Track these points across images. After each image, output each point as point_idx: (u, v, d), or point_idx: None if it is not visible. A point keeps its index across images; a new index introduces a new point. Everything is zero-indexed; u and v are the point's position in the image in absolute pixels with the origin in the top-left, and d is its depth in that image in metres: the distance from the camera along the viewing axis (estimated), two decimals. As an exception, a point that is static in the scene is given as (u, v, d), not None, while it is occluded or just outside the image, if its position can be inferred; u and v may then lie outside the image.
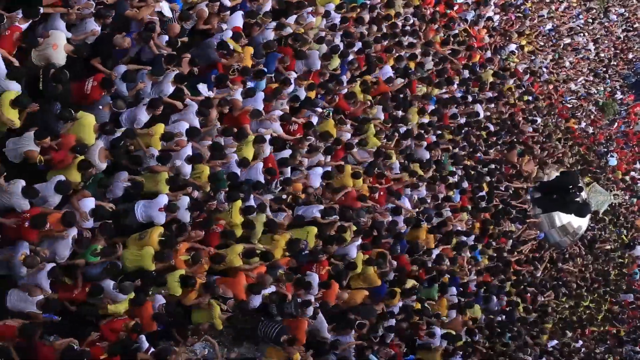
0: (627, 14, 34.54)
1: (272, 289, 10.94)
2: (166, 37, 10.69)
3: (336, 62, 14.02)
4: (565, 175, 20.89)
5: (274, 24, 12.75)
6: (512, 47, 22.87)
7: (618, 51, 33.07)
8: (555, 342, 18.89)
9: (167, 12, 10.79)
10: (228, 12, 11.83)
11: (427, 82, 16.86)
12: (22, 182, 8.50)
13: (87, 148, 9.10)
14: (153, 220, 9.89)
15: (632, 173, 29.00)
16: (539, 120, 22.43)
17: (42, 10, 9.12)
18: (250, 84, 12.05)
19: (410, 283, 13.80)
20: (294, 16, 13.23)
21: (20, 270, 8.43)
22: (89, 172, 9.16)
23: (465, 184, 17.35)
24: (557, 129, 24.07)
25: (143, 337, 9.18)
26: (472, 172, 17.71)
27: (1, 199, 8.49)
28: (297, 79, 13.07)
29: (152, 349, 9.19)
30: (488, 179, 18.38)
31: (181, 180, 10.34)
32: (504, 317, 17.18)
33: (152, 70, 10.31)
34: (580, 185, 21.02)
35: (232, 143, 11.42)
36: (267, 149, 11.94)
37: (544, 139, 22.04)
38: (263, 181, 11.62)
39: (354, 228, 12.71)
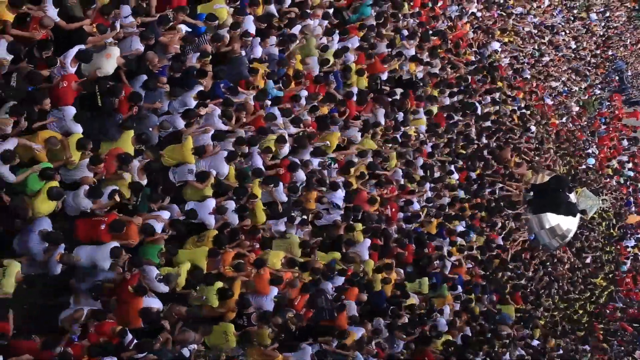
0: (607, 13, 35.85)
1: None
2: (197, 55, 11.64)
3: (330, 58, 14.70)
4: (556, 179, 22.02)
5: (274, 39, 13.38)
6: (496, 45, 23.69)
7: (598, 51, 34.35)
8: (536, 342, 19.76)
9: (186, 28, 11.63)
10: (250, 38, 12.65)
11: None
12: (85, 186, 9.51)
13: (131, 158, 9.93)
14: (204, 223, 10.97)
15: (619, 158, 30.43)
16: (533, 128, 23.52)
17: (90, 48, 9.90)
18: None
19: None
20: (299, 26, 13.93)
21: (55, 269, 9.12)
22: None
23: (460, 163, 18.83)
24: (549, 137, 25.19)
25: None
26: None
27: (70, 203, 9.49)
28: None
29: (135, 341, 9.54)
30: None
31: (223, 187, 11.33)
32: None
33: (170, 91, 11.17)
34: (570, 187, 22.17)
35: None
36: (286, 150, 12.78)
37: (537, 145, 23.14)
38: (285, 199, 12.52)
39: (361, 226, 13.95)
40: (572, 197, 22.72)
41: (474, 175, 19.46)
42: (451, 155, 18.55)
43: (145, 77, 10.82)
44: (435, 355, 14.94)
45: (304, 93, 13.76)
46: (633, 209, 30.53)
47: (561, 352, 21.06)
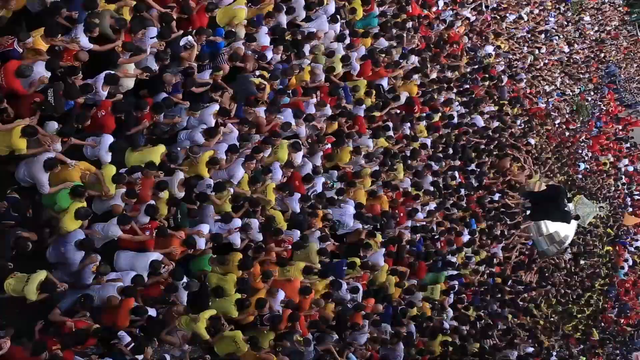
0: (600, 17, 36.65)
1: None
2: (209, 72, 12.25)
3: (339, 66, 15.28)
4: (553, 188, 22.91)
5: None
6: (489, 48, 24.28)
7: (592, 55, 35.14)
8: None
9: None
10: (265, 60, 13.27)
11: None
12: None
13: (166, 185, 10.62)
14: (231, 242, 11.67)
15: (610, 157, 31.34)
16: (533, 141, 24.29)
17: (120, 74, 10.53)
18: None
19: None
20: (308, 46, 14.51)
21: (88, 279, 9.73)
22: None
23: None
24: (548, 146, 25.97)
25: (124, 333, 9.67)
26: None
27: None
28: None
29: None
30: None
31: (240, 199, 11.91)
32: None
33: (191, 107, 11.74)
34: (568, 196, 23.00)
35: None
36: (299, 158, 13.37)
37: (537, 154, 23.91)
38: (298, 210, 13.14)
39: (380, 238, 14.66)
40: (570, 206, 23.58)
41: (472, 166, 20.06)
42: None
43: (163, 94, 11.41)
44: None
45: (313, 101, 14.38)
46: (630, 209, 31.36)
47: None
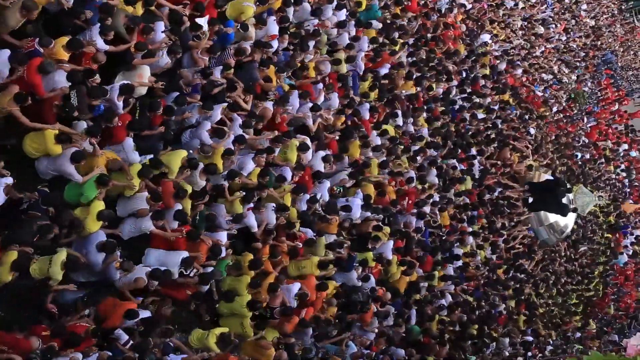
0: (596, 6, 37.01)
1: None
2: (220, 68, 12.56)
3: (343, 68, 15.67)
4: (553, 180, 23.32)
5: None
6: (486, 37, 24.45)
7: (588, 42, 35.44)
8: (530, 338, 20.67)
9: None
10: (272, 50, 13.54)
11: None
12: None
13: (186, 193, 11.00)
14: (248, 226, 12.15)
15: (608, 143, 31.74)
16: (533, 131, 24.67)
17: (135, 83, 10.90)
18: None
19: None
20: (313, 41, 14.84)
21: (114, 275, 10.10)
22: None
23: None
24: (548, 135, 26.35)
25: (121, 331, 9.84)
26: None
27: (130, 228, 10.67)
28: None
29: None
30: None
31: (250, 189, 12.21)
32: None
33: (203, 105, 11.95)
34: (568, 187, 23.56)
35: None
36: (309, 156, 13.70)
37: (536, 144, 24.36)
38: (304, 209, 13.45)
39: (388, 230, 15.08)
40: (570, 196, 24.04)
41: (473, 151, 20.39)
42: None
43: (177, 93, 11.70)
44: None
45: (320, 86, 14.74)
46: (630, 201, 31.81)
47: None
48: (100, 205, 9.92)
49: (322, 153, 14.07)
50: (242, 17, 13.21)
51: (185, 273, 10.63)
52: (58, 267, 9.19)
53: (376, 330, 14.24)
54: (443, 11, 21.46)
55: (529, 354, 19.01)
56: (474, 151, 20.37)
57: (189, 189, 11.07)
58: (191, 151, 11.61)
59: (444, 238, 17.82)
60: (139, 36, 10.96)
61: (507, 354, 18.31)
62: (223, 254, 11.36)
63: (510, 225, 21.54)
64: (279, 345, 11.76)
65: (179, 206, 10.87)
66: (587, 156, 29.75)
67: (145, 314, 10.08)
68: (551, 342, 21.83)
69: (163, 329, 10.28)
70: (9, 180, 9.03)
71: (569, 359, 18.82)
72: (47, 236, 9.22)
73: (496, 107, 22.51)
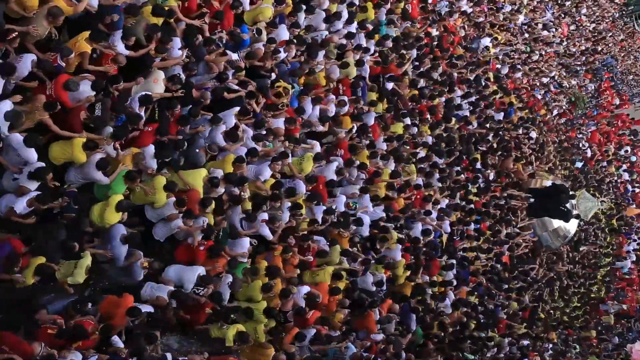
0: (597, 10, 37.31)
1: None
2: (232, 71, 12.90)
3: (353, 71, 15.96)
4: (555, 186, 23.64)
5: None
6: (487, 41, 24.79)
7: (588, 45, 35.78)
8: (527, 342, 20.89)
9: (235, 57, 12.97)
10: (280, 55, 13.82)
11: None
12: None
13: (211, 201, 11.47)
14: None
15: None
16: (534, 135, 24.99)
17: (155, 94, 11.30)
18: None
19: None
20: (323, 51, 15.13)
21: (139, 275, 10.58)
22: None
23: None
24: (549, 140, 26.73)
25: (117, 338, 9.88)
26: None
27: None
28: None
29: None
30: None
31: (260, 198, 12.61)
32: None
33: (212, 118, 12.25)
34: (571, 194, 23.94)
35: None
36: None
37: (537, 148, 24.69)
38: (321, 220, 13.77)
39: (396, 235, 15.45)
40: (572, 201, 24.43)
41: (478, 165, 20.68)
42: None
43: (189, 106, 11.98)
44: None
45: (332, 97, 15.11)
46: (633, 206, 32.20)
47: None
48: (119, 197, 10.26)
49: (335, 164, 14.47)
50: (260, 18, 13.66)
51: (197, 292, 11.01)
52: (83, 270, 9.65)
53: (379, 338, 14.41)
54: (442, 14, 21.73)
55: None
56: (478, 165, 20.73)
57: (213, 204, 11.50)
58: (197, 150, 11.97)
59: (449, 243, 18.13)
60: (157, 44, 11.32)
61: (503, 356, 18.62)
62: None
63: (515, 233, 21.83)
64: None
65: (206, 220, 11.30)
66: (589, 154, 30.08)
67: (146, 308, 10.31)
68: (551, 345, 22.13)
69: (147, 335, 10.20)
70: (34, 193, 9.32)
71: None
72: (71, 252, 9.61)
73: (501, 116, 22.79)
